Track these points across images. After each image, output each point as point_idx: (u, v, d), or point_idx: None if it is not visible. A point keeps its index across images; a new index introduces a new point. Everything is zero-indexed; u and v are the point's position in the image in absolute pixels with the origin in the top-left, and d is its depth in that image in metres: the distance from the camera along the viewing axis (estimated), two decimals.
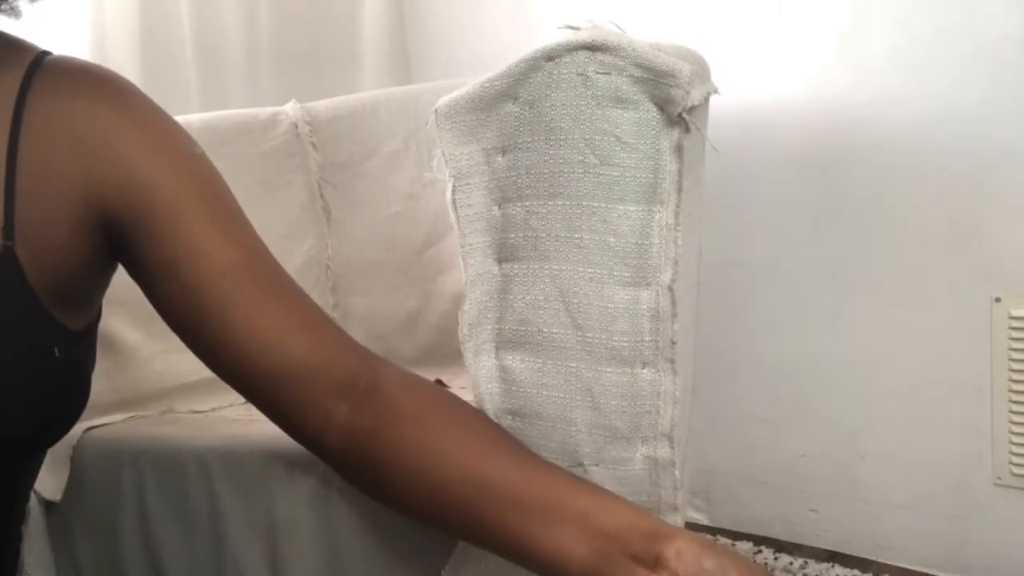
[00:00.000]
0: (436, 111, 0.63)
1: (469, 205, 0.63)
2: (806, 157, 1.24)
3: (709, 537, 1.15)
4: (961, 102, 1.11)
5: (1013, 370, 1.11)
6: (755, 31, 1.26)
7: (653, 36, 0.61)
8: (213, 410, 0.99)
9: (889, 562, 1.24)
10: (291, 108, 1.23)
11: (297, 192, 1.21)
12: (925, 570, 1.21)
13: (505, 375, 0.63)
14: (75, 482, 0.82)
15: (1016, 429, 1.12)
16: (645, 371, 0.59)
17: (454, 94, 0.62)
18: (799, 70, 1.23)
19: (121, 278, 0.62)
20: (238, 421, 0.91)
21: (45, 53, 0.60)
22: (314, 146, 1.22)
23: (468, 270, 0.64)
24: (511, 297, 0.62)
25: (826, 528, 1.30)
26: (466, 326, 0.64)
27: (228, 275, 0.57)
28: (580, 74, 0.57)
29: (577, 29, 0.58)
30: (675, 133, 0.58)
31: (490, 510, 0.54)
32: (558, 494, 0.53)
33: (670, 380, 0.60)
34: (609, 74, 0.57)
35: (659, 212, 0.58)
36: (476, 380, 0.64)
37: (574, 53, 0.57)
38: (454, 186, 0.63)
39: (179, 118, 0.63)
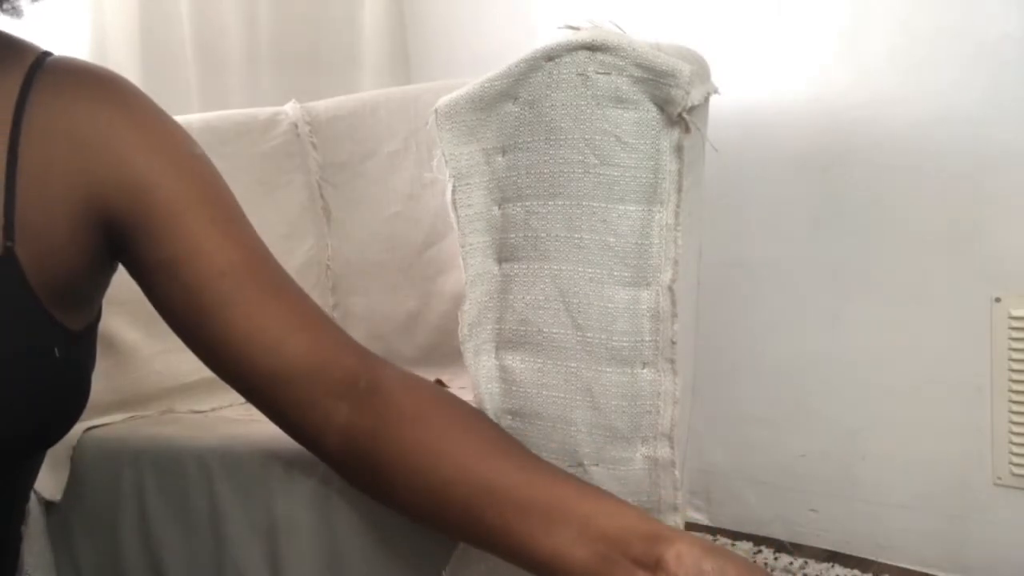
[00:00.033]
0: (436, 111, 0.63)
1: (469, 205, 0.63)
2: (806, 157, 1.24)
3: (709, 539, 1.15)
4: (961, 102, 1.11)
5: (1013, 370, 1.11)
6: (755, 31, 1.26)
7: (653, 36, 0.61)
8: (213, 410, 0.99)
9: (889, 562, 1.24)
10: (291, 108, 1.23)
11: (297, 192, 1.21)
12: (925, 570, 1.21)
13: (505, 375, 0.63)
14: (75, 482, 0.82)
15: (1016, 429, 1.12)
16: (645, 371, 0.59)
17: (454, 94, 0.62)
18: (799, 70, 1.23)
19: (121, 278, 0.62)
20: (238, 421, 0.91)
21: (46, 54, 0.60)
22: (314, 146, 1.22)
23: (468, 270, 0.64)
24: (511, 297, 0.62)
25: (826, 528, 1.30)
26: (466, 326, 0.64)
27: (228, 275, 0.57)
28: (580, 74, 0.57)
29: (577, 29, 0.58)
30: (675, 133, 0.58)
31: (490, 511, 0.53)
32: (559, 496, 0.53)
33: (670, 380, 0.60)
34: (609, 74, 0.57)
35: (659, 212, 0.58)
36: (476, 380, 0.64)
37: (574, 53, 0.57)
38: (454, 186, 0.63)
39: (179, 118, 0.63)
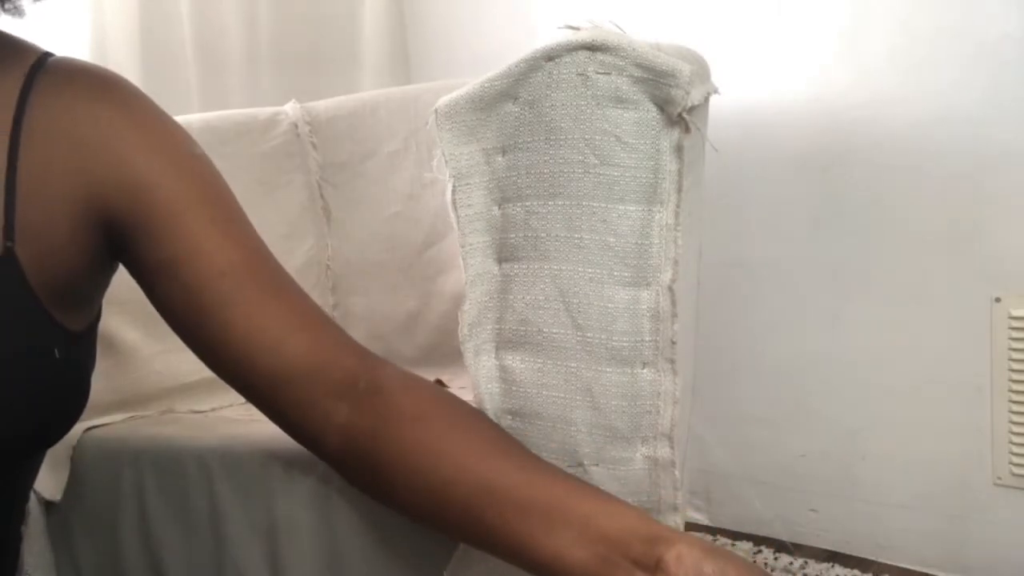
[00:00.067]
0: (436, 111, 0.63)
1: (469, 205, 0.63)
2: (806, 157, 1.24)
3: (709, 539, 1.16)
4: (961, 102, 1.11)
5: (1013, 370, 1.11)
6: (755, 31, 1.26)
7: (653, 36, 0.61)
8: (213, 410, 0.99)
9: (889, 562, 1.24)
10: (291, 108, 1.23)
11: (297, 192, 1.21)
12: (925, 570, 1.21)
13: (505, 375, 0.63)
14: (75, 482, 0.82)
15: (1016, 429, 1.12)
16: (645, 371, 0.59)
17: (454, 94, 0.62)
18: (799, 70, 1.23)
19: (121, 278, 0.62)
20: (238, 421, 0.91)
21: (48, 54, 0.60)
22: (314, 146, 1.22)
23: (468, 270, 0.64)
24: (511, 297, 0.62)
25: (826, 528, 1.30)
26: (466, 326, 0.64)
27: (228, 275, 0.57)
28: (580, 74, 0.57)
29: (577, 29, 0.58)
30: (675, 133, 0.58)
31: (490, 511, 0.53)
32: (559, 497, 0.53)
33: (670, 380, 0.60)
34: (609, 74, 0.57)
35: (659, 212, 0.58)
36: (476, 380, 0.64)
37: (574, 53, 0.57)
38: (454, 186, 0.63)
39: (179, 118, 0.63)
